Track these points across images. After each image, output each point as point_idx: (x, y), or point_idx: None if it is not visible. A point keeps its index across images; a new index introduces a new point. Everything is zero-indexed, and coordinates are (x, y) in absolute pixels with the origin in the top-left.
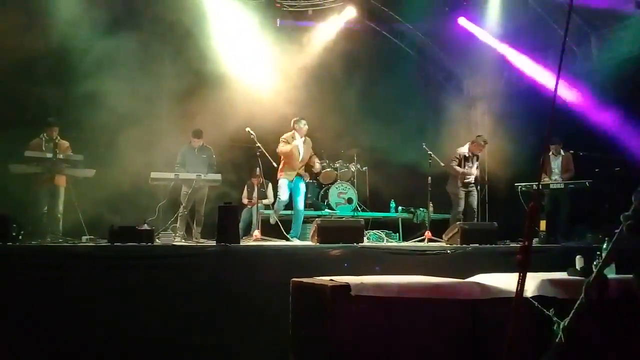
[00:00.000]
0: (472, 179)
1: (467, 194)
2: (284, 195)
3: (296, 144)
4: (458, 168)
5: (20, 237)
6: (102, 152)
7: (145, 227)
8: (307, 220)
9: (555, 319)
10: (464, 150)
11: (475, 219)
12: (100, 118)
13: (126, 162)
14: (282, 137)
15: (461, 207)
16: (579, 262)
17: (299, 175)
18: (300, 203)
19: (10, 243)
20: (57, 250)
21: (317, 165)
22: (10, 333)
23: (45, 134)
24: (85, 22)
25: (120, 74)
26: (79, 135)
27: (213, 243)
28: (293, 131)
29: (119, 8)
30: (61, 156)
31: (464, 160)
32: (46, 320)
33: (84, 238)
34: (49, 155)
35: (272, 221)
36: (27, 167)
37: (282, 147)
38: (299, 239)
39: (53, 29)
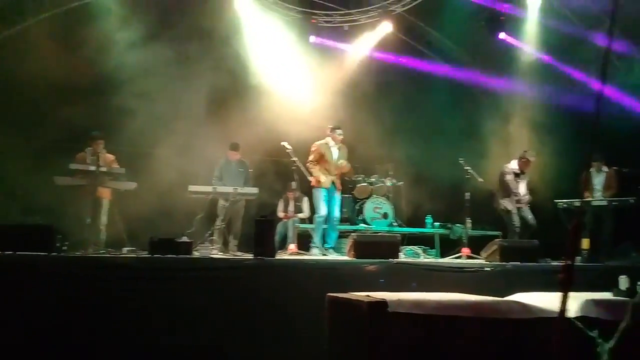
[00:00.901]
0: (521, 197)
1: (519, 209)
2: (322, 209)
3: (324, 179)
4: (513, 183)
5: (64, 248)
6: (143, 165)
7: (184, 239)
8: (343, 235)
9: (599, 340)
10: (514, 166)
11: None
12: (140, 132)
13: (165, 175)
14: (315, 144)
15: (516, 223)
16: (623, 282)
17: (333, 183)
18: (335, 210)
19: (55, 253)
20: (99, 261)
21: (344, 162)
22: (53, 341)
23: (90, 148)
24: (124, 37)
25: (159, 89)
26: (121, 149)
27: (250, 256)
28: (328, 138)
29: (157, 24)
30: (104, 169)
31: (516, 176)
32: (88, 328)
33: (124, 249)
34: (92, 168)
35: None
36: (71, 180)
37: (312, 168)
38: (335, 250)
39: (93, 45)
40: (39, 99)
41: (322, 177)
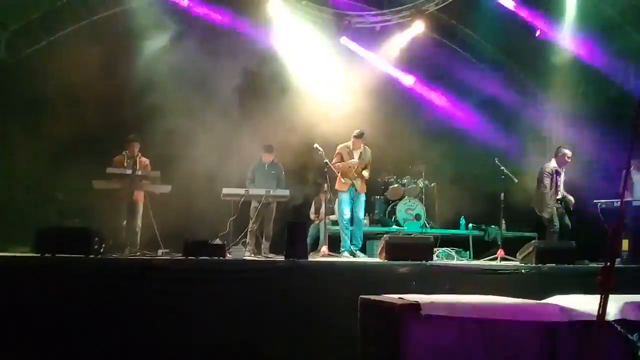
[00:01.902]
0: (561, 194)
1: (558, 210)
2: (347, 212)
3: (352, 162)
4: (548, 189)
5: (101, 250)
6: (175, 168)
7: (218, 241)
8: (375, 236)
9: (639, 344)
10: (553, 164)
11: (569, 235)
12: (173, 134)
13: (198, 178)
14: (338, 147)
15: (557, 224)
16: None
17: (354, 186)
18: (360, 212)
19: (93, 256)
20: (135, 263)
21: (365, 173)
22: (90, 341)
23: (127, 151)
24: (156, 41)
25: (191, 91)
26: (156, 153)
27: (282, 258)
28: (350, 142)
29: (189, 28)
30: (140, 172)
31: (556, 175)
32: (124, 329)
33: (160, 251)
34: (129, 171)
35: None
36: (108, 183)
37: (336, 164)
38: (362, 251)
39: (126, 49)
40: (76, 104)
41: (342, 179)
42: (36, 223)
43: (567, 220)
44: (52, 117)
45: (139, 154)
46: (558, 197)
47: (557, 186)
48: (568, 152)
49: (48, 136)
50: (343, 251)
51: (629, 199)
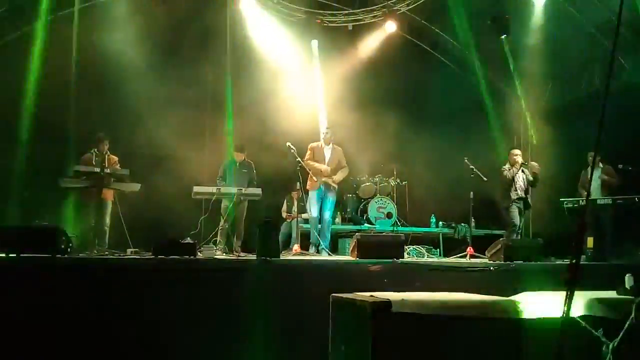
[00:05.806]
0: (520, 193)
1: (520, 210)
2: (314, 211)
3: (322, 167)
4: (507, 174)
5: (69, 249)
6: (145, 166)
7: (188, 240)
8: (346, 234)
9: (604, 339)
10: (509, 165)
11: (519, 234)
12: (143, 133)
13: (169, 177)
14: (309, 145)
15: (515, 221)
16: (628, 280)
17: (325, 183)
18: (326, 213)
19: (60, 255)
20: (103, 262)
21: (339, 175)
22: (57, 341)
23: (95, 149)
24: (128, 39)
25: (162, 90)
26: (125, 150)
27: (253, 257)
28: (321, 140)
29: (161, 26)
30: (108, 170)
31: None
32: (92, 329)
33: (129, 251)
34: (97, 169)
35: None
36: (76, 181)
37: (308, 161)
38: (331, 250)
39: (96, 47)
40: (43, 101)
41: (314, 177)
42: (1, 221)
43: (520, 221)
44: (17, 114)
45: (108, 152)
46: (519, 196)
47: (515, 184)
48: (514, 151)
49: (13, 132)
50: (310, 244)
51: (585, 196)
